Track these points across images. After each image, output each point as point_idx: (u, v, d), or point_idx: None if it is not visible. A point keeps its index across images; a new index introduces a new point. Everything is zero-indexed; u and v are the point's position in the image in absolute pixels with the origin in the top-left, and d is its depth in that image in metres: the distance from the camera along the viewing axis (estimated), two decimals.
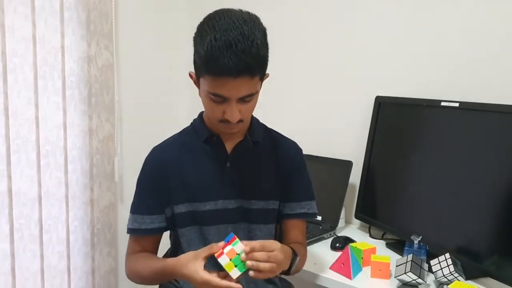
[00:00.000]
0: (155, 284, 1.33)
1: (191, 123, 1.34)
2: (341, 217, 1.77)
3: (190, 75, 1.21)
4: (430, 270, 1.34)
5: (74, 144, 1.90)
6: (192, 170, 1.27)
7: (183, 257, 1.15)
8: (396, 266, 1.33)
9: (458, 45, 1.60)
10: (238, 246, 1.08)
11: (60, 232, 1.87)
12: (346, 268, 1.38)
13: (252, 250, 1.07)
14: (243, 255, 1.06)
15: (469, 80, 1.58)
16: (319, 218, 1.72)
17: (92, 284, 2.00)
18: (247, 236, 1.28)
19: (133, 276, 1.30)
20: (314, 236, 1.66)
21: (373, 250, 1.48)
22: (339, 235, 1.71)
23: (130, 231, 1.29)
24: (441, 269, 1.29)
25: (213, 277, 1.07)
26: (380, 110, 1.73)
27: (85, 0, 1.86)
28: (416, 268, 1.28)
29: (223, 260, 1.07)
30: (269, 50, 1.14)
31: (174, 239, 1.32)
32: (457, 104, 1.46)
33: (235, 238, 1.08)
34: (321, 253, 1.56)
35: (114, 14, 1.98)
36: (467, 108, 1.44)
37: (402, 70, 1.74)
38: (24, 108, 1.72)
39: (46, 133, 1.79)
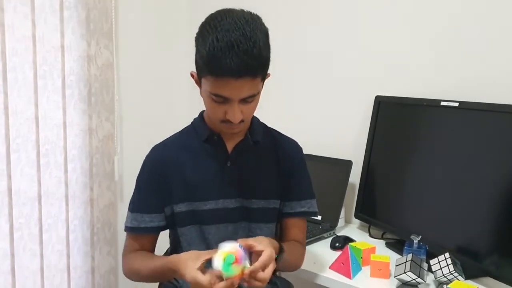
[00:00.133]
0: (153, 282, 1.33)
1: (192, 122, 1.34)
2: (340, 217, 1.78)
3: (192, 75, 1.20)
4: (429, 269, 1.34)
5: (74, 143, 1.90)
6: (192, 169, 1.27)
7: (185, 255, 1.14)
8: (396, 265, 1.33)
9: (458, 45, 1.60)
10: (228, 247, 1.06)
11: (60, 231, 1.87)
12: (345, 267, 1.38)
13: (255, 271, 1.05)
14: (246, 270, 1.05)
15: (469, 80, 1.58)
16: (318, 217, 1.72)
17: (92, 283, 2.00)
18: (247, 235, 1.28)
19: (131, 275, 1.30)
20: (313, 235, 1.66)
21: (372, 250, 1.48)
22: (338, 234, 1.71)
23: (129, 229, 1.29)
24: (441, 268, 1.29)
25: (206, 279, 1.05)
26: (380, 110, 1.73)
27: None
28: (416, 267, 1.28)
29: (218, 262, 1.06)
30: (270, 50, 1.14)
31: (174, 239, 1.32)
32: (457, 104, 1.46)
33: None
34: (320, 252, 1.56)
35: (114, 13, 1.98)
36: (467, 108, 1.44)
37: (402, 70, 1.74)
38: (24, 107, 1.72)
39: (46, 132, 1.79)
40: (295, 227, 1.36)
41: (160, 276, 1.26)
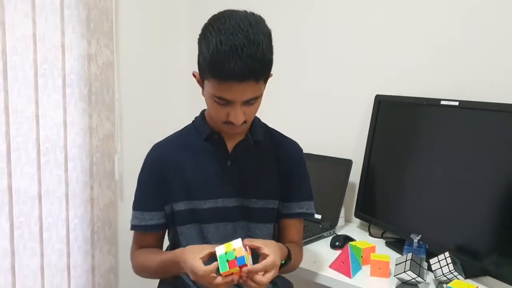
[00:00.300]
0: (161, 277, 1.34)
1: (193, 121, 1.34)
2: (340, 216, 1.78)
3: (194, 75, 1.20)
4: (429, 268, 1.34)
5: (74, 142, 1.90)
6: (192, 168, 1.27)
7: (190, 247, 1.15)
8: (396, 264, 1.33)
9: (458, 44, 1.60)
10: (237, 243, 1.07)
11: (60, 230, 1.87)
12: (345, 266, 1.38)
13: (253, 271, 1.06)
14: (244, 268, 1.06)
15: (469, 79, 1.58)
16: (318, 216, 1.72)
17: (92, 282, 2.00)
18: (246, 234, 1.29)
19: (139, 271, 1.32)
20: (313, 234, 1.66)
21: (372, 249, 1.48)
22: (338, 233, 1.71)
23: (132, 227, 1.31)
24: (441, 267, 1.29)
25: (203, 268, 1.06)
26: (380, 109, 1.73)
27: None
28: (416, 266, 1.28)
29: (220, 250, 1.07)
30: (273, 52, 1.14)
31: (173, 237, 1.32)
32: (456, 103, 1.46)
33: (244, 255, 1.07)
34: (320, 251, 1.56)
35: (115, 12, 1.98)
36: (466, 107, 1.44)
37: (402, 69, 1.74)
38: (24, 106, 1.72)
39: (46, 131, 1.80)
40: (292, 228, 1.36)
41: (165, 270, 1.25)
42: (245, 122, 1.17)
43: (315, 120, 1.98)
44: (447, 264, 1.28)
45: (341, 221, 1.79)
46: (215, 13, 1.15)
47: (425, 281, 1.30)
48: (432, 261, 1.33)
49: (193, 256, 1.09)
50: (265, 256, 1.10)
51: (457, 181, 1.43)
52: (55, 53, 1.79)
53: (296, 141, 1.39)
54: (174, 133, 1.35)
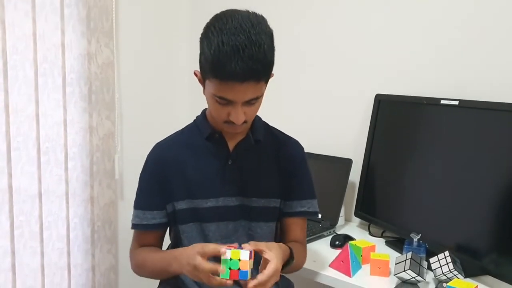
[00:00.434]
0: (159, 277, 1.33)
1: (194, 120, 1.34)
2: (340, 215, 1.78)
3: (195, 74, 1.21)
4: (429, 268, 1.34)
5: (74, 142, 1.90)
6: (193, 167, 1.27)
7: (192, 245, 1.15)
8: (396, 264, 1.34)
9: (458, 43, 1.60)
10: (245, 255, 1.06)
11: (60, 229, 1.88)
12: (345, 265, 1.38)
13: (258, 285, 1.06)
14: (250, 284, 1.05)
15: (469, 78, 1.58)
16: (318, 216, 1.72)
17: (92, 281, 2.00)
18: (247, 233, 1.29)
19: (137, 269, 1.32)
20: (313, 233, 1.66)
21: (372, 248, 1.48)
22: (338, 233, 1.72)
23: (133, 226, 1.31)
24: (440, 267, 1.30)
25: (201, 263, 1.06)
26: (380, 108, 1.73)
27: None
28: (415, 266, 1.29)
29: (226, 255, 1.06)
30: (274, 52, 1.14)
31: (175, 236, 1.32)
32: (456, 102, 1.46)
33: (251, 254, 1.07)
34: (320, 250, 1.56)
35: (115, 11, 1.98)
36: (466, 106, 1.44)
37: (402, 68, 1.74)
38: (25, 105, 1.72)
39: (47, 130, 1.80)
40: (295, 227, 1.36)
41: (165, 268, 1.23)
42: (245, 122, 1.18)
43: (315, 120, 1.98)
44: (447, 263, 1.29)
45: (341, 220, 1.79)
46: (215, 12, 1.15)
47: (425, 280, 1.30)
48: (432, 260, 1.33)
49: (192, 251, 1.10)
50: (266, 261, 1.10)
51: (457, 180, 1.44)
52: (55, 52, 1.79)
53: (298, 140, 1.39)
54: (175, 132, 1.36)
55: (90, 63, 1.90)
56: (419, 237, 1.42)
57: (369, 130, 1.75)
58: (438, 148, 1.51)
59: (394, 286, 1.31)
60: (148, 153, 1.33)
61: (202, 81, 1.18)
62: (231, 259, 1.05)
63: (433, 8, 1.65)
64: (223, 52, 1.05)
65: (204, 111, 1.32)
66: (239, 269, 1.05)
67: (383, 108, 1.72)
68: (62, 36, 1.80)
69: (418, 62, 1.70)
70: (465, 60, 1.59)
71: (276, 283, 1.31)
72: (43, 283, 1.82)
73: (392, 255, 1.44)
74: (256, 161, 1.30)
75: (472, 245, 1.38)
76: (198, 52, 1.16)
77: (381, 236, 1.70)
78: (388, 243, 1.63)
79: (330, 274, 1.39)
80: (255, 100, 1.14)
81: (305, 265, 1.40)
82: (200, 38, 1.13)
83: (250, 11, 1.13)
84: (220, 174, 1.27)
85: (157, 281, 1.37)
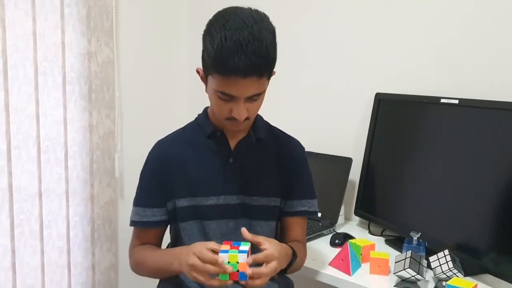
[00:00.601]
0: (157, 276, 1.33)
1: (196, 118, 1.35)
2: (340, 214, 1.78)
3: (198, 71, 1.21)
4: (429, 266, 1.34)
5: (74, 140, 1.90)
6: (195, 165, 1.28)
7: (191, 245, 1.15)
8: (395, 262, 1.34)
9: (458, 42, 1.60)
10: (242, 257, 1.06)
11: (61, 228, 1.88)
12: (345, 264, 1.39)
13: (255, 261, 1.07)
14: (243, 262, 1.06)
15: (469, 77, 1.58)
16: (318, 214, 1.72)
17: (92, 280, 2.00)
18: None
19: (136, 267, 1.32)
20: (313, 232, 1.66)
21: (372, 247, 1.48)
22: (338, 231, 1.72)
23: (133, 223, 1.31)
24: (440, 265, 1.30)
25: (201, 267, 1.06)
26: (380, 107, 1.73)
27: None
28: (415, 264, 1.29)
29: (224, 257, 1.06)
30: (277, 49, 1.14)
31: (175, 233, 1.33)
32: (456, 101, 1.46)
33: (248, 251, 1.07)
34: (320, 249, 1.56)
35: (115, 10, 1.98)
36: (466, 105, 1.44)
37: (402, 67, 1.74)
38: (25, 104, 1.72)
39: (47, 129, 1.80)
40: (296, 226, 1.37)
41: (164, 268, 1.22)
42: (247, 118, 1.18)
43: (315, 118, 1.99)
44: (447, 262, 1.29)
45: (341, 219, 1.79)
46: (215, 12, 1.15)
47: (425, 278, 1.30)
48: (431, 259, 1.33)
49: (191, 247, 1.10)
50: (264, 251, 1.11)
51: (456, 179, 1.44)
52: (55, 51, 1.79)
53: (298, 140, 1.39)
54: (177, 130, 1.36)
55: (90, 62, 1.90)
56: (418, 236, 1.42)
57: (369, 129, 1.76)
58: (438, 147, 1.51)
59: (394, 284, 1.31)
60: (148, 151, 1.33)
61: (205, 78, 1.18)
62: (229, 262, 1.06)
63: (433, 8, 1.65)
64: (226, 48, 1.05)
65: (206, 109, 1.33)
66: (238, 271, 1.05)
67: (383, 107, 1.72)
68: (62, 35, 1.80)
69: (418, 61, 1.70)
70: (465, 60, 1.59)
71: (277, 282, 1.32)
72: (43, 282, 1.83)
73: (391, 253, 1.44)
74: (257, 159, 1.31)
75: (472, 244, 1.38)
76: (198, 51, 1.16)
77: (381, 235, 1.71)
78: (388, 242, 1.63)
79: (330, 272, 1.40)
80: (257, 96, 1.15)
81: (305, 264, 1.40)
82: (203, 35, 1.14)
83: (252, 8, 1.14)
84: (221, 172, 1.28)
85: (157, 280, 1.37)
